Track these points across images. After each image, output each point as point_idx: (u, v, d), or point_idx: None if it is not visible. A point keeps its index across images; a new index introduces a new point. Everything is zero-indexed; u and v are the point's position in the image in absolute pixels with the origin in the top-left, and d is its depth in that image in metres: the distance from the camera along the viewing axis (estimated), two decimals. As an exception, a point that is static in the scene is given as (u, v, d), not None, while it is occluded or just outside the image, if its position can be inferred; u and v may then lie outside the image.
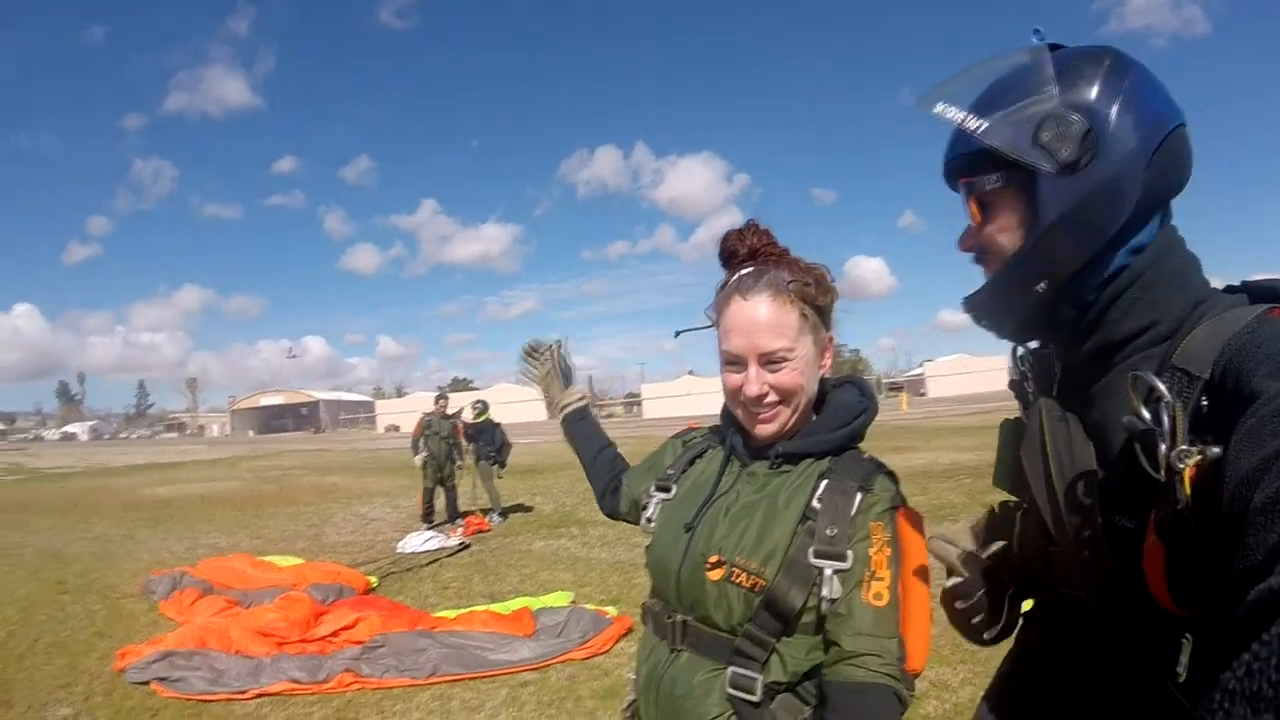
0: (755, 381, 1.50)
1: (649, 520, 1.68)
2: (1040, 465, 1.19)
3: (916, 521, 1.50)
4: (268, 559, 9.51)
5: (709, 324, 1.62)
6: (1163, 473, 0.98)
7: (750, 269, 1.57)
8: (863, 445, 1.61)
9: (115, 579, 9.50)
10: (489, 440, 13.43)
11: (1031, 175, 1.16)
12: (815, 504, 1.46)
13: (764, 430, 1.55)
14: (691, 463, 1.72)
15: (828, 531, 1.41)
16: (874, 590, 1.38)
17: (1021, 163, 1.16)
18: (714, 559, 1.48)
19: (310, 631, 6.39)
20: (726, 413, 1.67)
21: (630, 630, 6.37)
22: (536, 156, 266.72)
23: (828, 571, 1.39)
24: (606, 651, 6.02)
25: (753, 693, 1.40)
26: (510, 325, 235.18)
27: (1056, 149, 1.13)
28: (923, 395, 73.94)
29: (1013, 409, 1.48)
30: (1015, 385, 1.43)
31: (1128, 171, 1.12)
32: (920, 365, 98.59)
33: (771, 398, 1.51)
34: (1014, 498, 1.42)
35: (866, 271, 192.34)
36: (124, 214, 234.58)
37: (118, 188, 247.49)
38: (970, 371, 76.73)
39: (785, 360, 1.49)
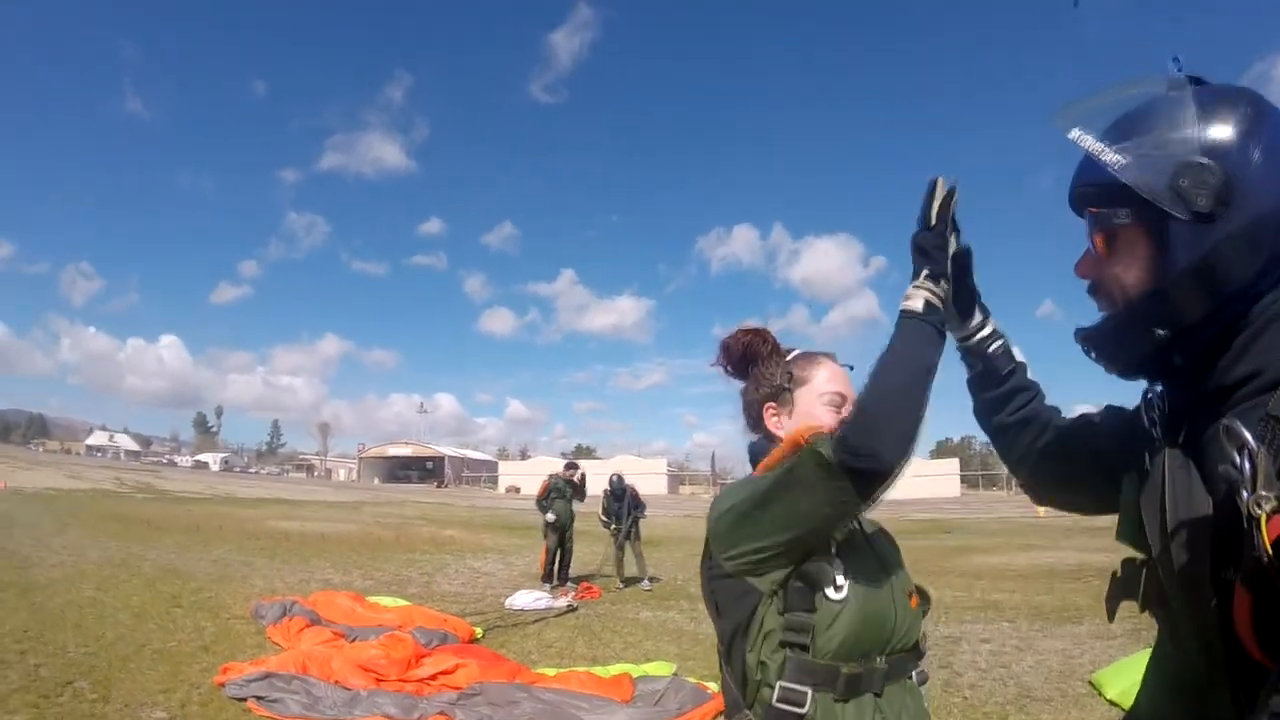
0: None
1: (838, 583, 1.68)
2: (1157, 515, 1.20)
3: None
4: (376, 600, 9.82)
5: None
6: (1245, 521, 0.97)
7: (805, 349, 1.99)
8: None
9: (227, 599, 10.03)
10: (628, 513, 13.99)
11: (1163, 217, 1.18)
12: None
13: None
14: None
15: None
16: None
17: (1156, 205, 1.17)
18: (907, 591, 1.79)
19: (410, 672, 6.54)
20: None
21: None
22: (673, 232, 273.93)
23: None
24: (703, 727, 5.88)
25: (925, 673, 1.82)
26: (639, 396, 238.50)
27: (1193, 197, 1.13)
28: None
29: None
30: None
31: (1264, 224, 1.13)
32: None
33: None
34: (1139, 554, 1.38)
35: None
36: (274, 260, 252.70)
37: (270, 236, 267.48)
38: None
39: None
